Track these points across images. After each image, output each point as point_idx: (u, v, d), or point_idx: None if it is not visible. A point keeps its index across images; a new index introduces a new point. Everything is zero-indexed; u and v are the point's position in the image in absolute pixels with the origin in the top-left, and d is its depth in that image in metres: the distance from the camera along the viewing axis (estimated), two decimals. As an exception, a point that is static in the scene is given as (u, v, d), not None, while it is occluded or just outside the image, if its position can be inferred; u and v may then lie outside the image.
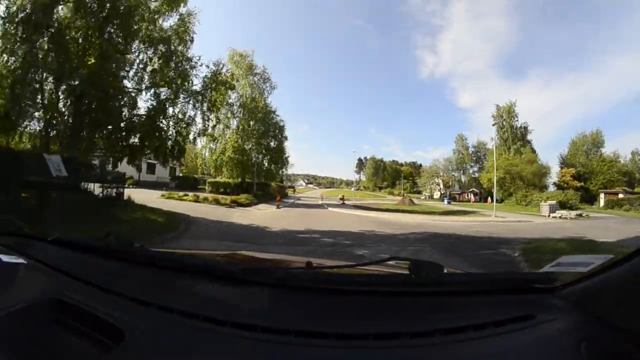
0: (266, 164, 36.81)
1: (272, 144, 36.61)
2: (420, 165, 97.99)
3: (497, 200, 54.34)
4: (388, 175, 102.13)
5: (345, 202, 36.20)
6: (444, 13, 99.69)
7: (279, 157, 37.41)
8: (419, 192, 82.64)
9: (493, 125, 51.91)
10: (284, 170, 41.75)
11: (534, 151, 55.52)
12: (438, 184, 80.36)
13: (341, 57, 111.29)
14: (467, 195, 64.79)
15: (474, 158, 72.27)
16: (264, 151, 35.83)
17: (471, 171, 72.89)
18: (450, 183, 75.43)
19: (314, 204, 32.42)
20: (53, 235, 1.71)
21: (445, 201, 52.77)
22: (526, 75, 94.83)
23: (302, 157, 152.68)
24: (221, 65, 14.44)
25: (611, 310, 1.02)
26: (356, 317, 1.05)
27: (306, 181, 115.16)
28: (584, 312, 1.08)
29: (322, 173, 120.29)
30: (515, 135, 57.46)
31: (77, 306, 1.17)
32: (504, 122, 57.15)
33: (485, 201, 54.46)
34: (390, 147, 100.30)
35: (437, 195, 74.43)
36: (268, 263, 1.96)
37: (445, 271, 1.21)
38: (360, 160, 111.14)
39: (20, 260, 1.57)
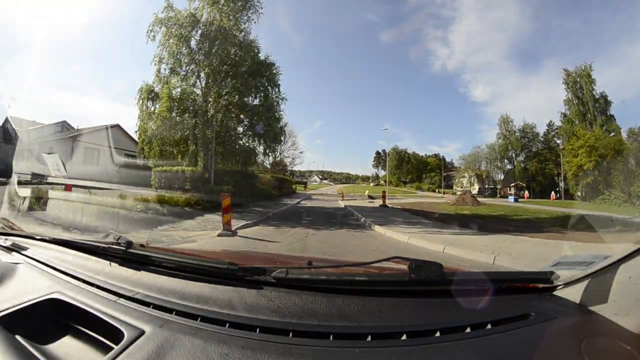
0: (245, 139, 19.54)
1: (253, 100, 19.27)
2: (443, 158, 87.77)
3: (570, 195, 39.25)
4: (412, 168, 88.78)
5: (386, 202, 20.83)
6: (454, 4, 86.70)
7: (268, 126, 19.14)
8: (450, 187, 70.43)
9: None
10: (278, 150, 24.58)
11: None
12: (476, 177, 66.40)
13: (353, 53, 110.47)
14: (509, 190, 52.98)
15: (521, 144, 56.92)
16: (236, 111, 18.56)
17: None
18: (488, 175, 62.49)
19: (332, 209, 18.32)
20: (52, 236, 1.76)
21: (511, 199, 39.18)
22: (540, 66, 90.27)
23: (316, 153, 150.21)
24: None
25: (611, 309, 1.02)
26: (356, 316, 1.04)
27: (320, 177, 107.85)
28: (584, 311, 1.08)
29: (337, 169, 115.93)
30: (595, 108, 40.06)
31: (77, 306, 1.16)
32: (581, 91, 39.60)
33: (548, 197, 42.70)
34: (405, 141, 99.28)
35: (474, 190, 59.67)
36: (268, 262, 1.87)
37: (445, 270, 1.16)
38: (378, 153, 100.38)
39: (20, 260, 1.56)
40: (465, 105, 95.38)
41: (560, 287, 1.21)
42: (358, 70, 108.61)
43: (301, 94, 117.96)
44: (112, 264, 1.45)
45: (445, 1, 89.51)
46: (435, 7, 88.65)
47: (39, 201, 7.98)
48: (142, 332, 0.97)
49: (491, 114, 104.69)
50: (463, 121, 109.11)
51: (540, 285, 1.25)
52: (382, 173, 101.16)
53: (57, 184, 10.55)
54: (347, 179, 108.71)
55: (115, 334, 0.99)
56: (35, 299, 1.21)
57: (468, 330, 0.97)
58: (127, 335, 0.97)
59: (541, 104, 78.83)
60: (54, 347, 1.06)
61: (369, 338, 0.95)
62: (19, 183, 8.08)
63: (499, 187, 57.98)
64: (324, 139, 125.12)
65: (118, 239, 1.52)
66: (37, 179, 10.24)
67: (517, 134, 58.64)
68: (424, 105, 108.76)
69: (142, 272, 1.37)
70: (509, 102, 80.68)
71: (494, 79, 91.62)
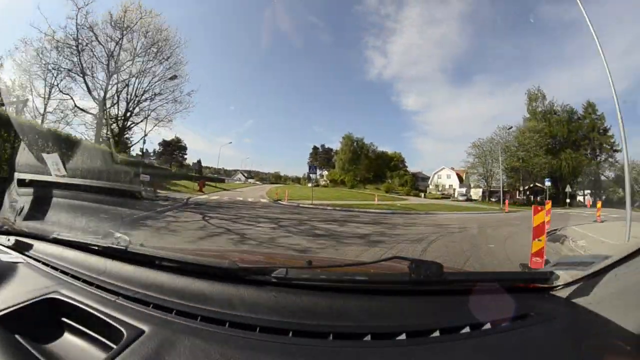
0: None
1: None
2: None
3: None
4: (372, 164, 70.40)
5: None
6: (398, 16, 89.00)
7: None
8: (421, 190, 57.80)
9: None
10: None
11: None
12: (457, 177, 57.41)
13: (291, 53, 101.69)
14: (519, 195, 42.49)
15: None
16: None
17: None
18: (484, 173, 45.54)
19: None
20: (52, 235, 1.77)
21: None
22: (472, 81, 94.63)
23: (245, 152, 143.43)
24: None
25: (611, 309, 1.04)
26: (356, 316, 1.08)
27: (245, 175, 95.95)
28: (584, 311, 1.11)
29: (265, 169, 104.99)
30: None
31: (77, 306, 1.20)
32: None
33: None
34: (335, 144, 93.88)
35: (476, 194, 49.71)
36: (268, 262, 1.99)
37: (445, 270, 1.20)
38: (315, 148, 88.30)
39: (19, 260, 1.62)
40: (397, 113, 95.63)
41: (560, 287, 1.22)
42: (293, 70, 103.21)
43: (233, 91, 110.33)
44: (112, 263, 1.48)
45: (389, 13, 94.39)
46: (379, 17, 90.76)
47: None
48: (142, 332, 1.01)
49: (419, 123, 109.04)
50: (393, 128, 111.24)
51: (540, 286, 1.27)
52: (319, 172, 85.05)
53: None
54: (278, 178, 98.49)
55: (115, 334, 1.03)
56: (35, 298, 1.25)
57: (467, 330, 1.01)
58: (126, 334, 1.00)
59: (469, 117, 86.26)
60: (54, 346, 1.11)
61: (369, 338, 0.98)
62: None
63: (494, 189, 44.36)
64: (254, 138, 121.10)
65: (117, 239, 1.58)
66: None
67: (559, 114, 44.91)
68: (355, 110, 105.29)
69: (141, 271, 1.40)
70: (439, 112, 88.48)
71: (426, 90, 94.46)
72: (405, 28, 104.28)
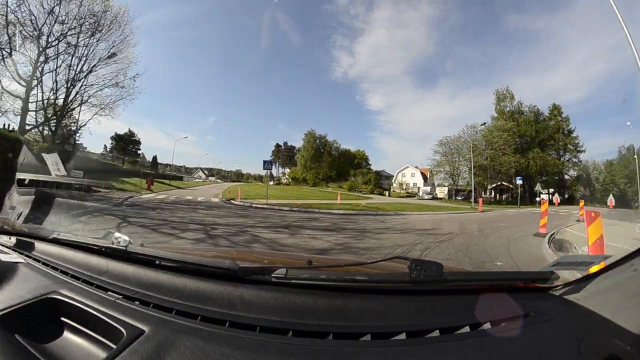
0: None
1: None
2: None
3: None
4: (335, 162, 68.46)
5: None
6: (367, 17, 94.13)
7: None
8: (384, 189, 57.06)
9: None
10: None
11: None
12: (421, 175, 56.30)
13: (256, 49, 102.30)
14: (485, 193, 41.69)
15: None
16: None
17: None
18: (451, 172, 46.15)
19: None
20: (51, 235, 1.80)
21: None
22: (436, 85, 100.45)
23: (208, 149, 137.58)
24: None
25: (611, 309, 1.05)
26: (356, 315, 1.09)
27: (206, 173, 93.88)
28: (584, 311, 1.12)
29: (227, 167, 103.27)
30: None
31: (76, 306, 1.22)
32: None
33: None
34: (298, 142, 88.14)
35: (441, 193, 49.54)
36: (268, 262, 1.99)
37: (445, 270, 1.21)
38: (278, 146, 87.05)
39: (19, 260, 1.63)
40: (360, 112, 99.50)
41: (559, 287, 1.23)
42: (258, 67, 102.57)
43: (195, 88, 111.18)
44: (112, 263, 1.51)
45: (358, 13, 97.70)
46: (347, 17, 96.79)
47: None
48: (142, 332, 1.01)
49: (383, 122, 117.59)
50: (357, 127, 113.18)
51: (540, 285, 1.27)
52: (280, 170, 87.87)
53: None
54: (240, 176, 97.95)
55: (114, 334, 1.04)
56: (34, 298, 1.26)
57: (467, 329, 1.01)
58: (126, 334, 1.01)
59: (433, 118, 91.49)
60: (54, 346, 1.12)
61: (369, 337, 0.99)
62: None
63: (460, 188, 45.13)
64: (216, 136, 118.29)
65: (117, 239, 1.60)
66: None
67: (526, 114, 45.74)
68: (320, 108, 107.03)
69: (141, 271, 1.42)
70: (403, 112, 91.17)
71: (391, 91, 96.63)
72: (374, 29, 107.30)
